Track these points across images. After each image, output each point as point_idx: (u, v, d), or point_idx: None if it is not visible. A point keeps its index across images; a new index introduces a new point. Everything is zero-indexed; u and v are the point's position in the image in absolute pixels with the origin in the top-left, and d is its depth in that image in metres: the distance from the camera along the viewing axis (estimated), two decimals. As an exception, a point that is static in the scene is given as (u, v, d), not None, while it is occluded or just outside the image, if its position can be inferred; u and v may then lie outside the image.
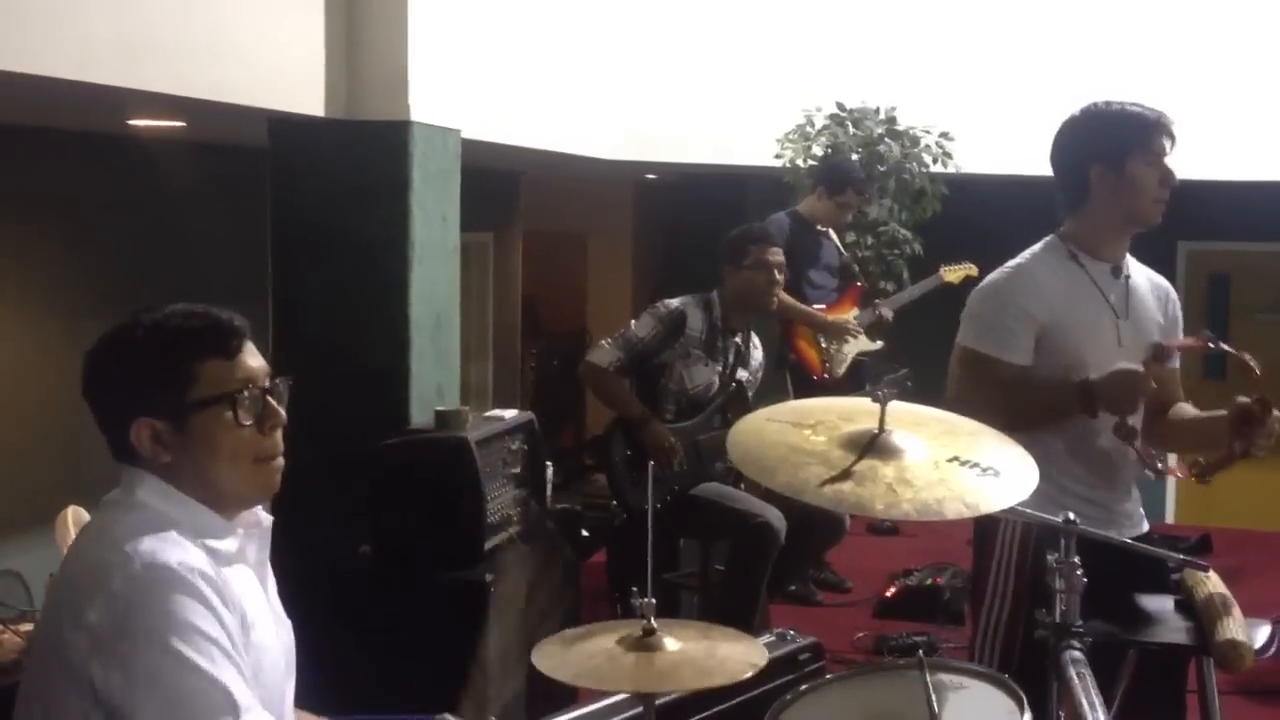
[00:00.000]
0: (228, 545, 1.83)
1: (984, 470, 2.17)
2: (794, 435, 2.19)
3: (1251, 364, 2.79)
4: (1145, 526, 3.09)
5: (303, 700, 2.01)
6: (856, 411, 2.24)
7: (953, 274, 6.07)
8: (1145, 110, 2.97)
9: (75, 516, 3.88)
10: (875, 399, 2.18)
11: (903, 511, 2.04)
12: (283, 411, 1.88)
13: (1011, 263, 3.04)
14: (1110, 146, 2.94)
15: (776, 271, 4.78)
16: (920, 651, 2.25)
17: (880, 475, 2.08)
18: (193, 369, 1.80)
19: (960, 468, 2.16)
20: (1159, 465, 2.98)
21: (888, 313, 6.04)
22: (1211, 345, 2.86)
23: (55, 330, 5.10)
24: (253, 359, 1.85)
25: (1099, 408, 2.82)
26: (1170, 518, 8.55)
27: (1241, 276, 8.65)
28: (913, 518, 2.06)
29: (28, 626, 3.90)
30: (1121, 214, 2.98)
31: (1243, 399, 2.79)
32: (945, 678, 2.17)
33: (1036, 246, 3.05)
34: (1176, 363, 3.17)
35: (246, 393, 1.82)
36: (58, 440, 4.51)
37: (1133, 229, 3.03)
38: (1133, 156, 2.92)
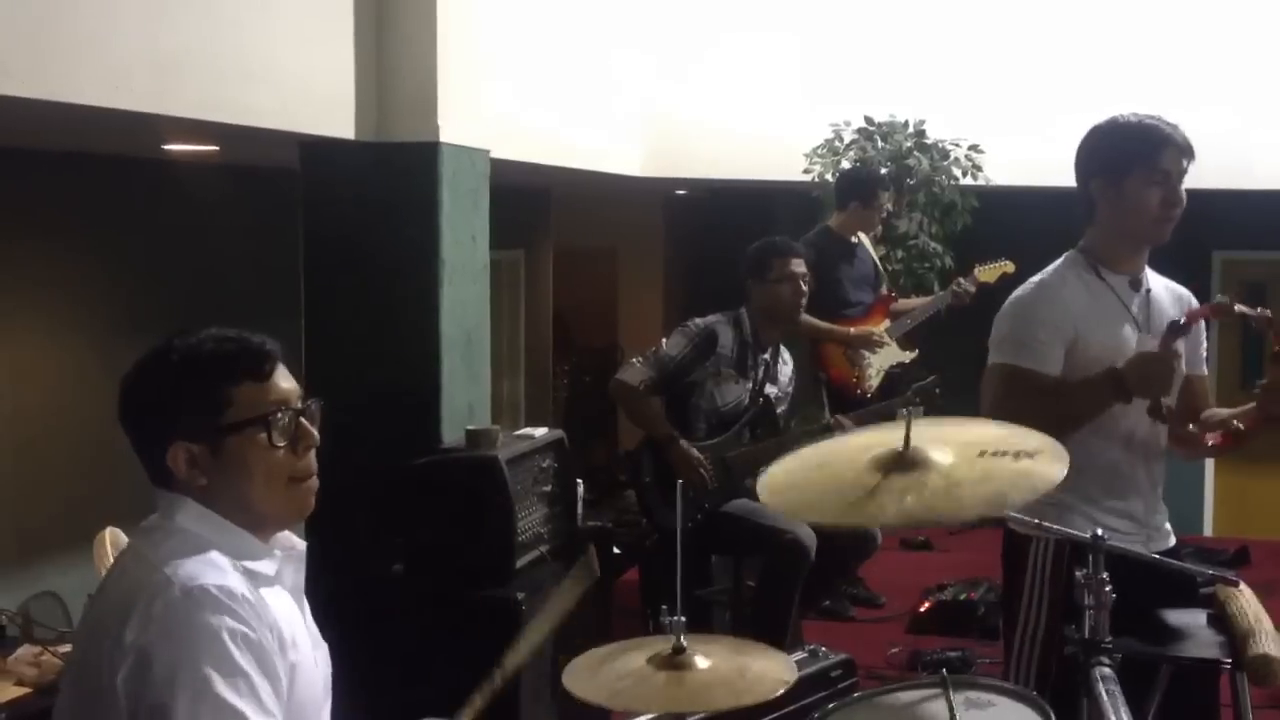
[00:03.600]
0: (265, 568, 1.85)
1: (1017, 455, 2.16)
2: (821, 476, 2.18)
3: (1271, 318, 2.77)
4: (1172, 540, 3.08)
5: (336, 718, 2.02)
6: (870, 443, 2.24)
7: (988, 273, 5.97)
8: (1157, 125, 2.91)
9: (113, 538, 3.93)
10: (900, 416, 2.18)
11: (977, 511, 2.03)
12: (316, 432, 1.90)
13: (1034, 279, 3.04)
14: (1111, 161, 2.92)
15: (802, 283, 4.78)
16: (944, 670, 2.24)
17: (932, 483, 2.08)
18: (227, 392, 1.82)
19: (995, 459, 2.15)
20: (1205, 441, 2.94)
21: (968, 290, 5.85)
22: (1224, 305, 2.83)
23: (91, 353, 5.15)
24: (285, 381, 1.88)
25: (1132, 392, 2.80)
26: (1208, 529, 8.48)
27: (1277, 286, 8.58)
28: (988, 514, 2.05)
29: (66, 648, 3.95)
30: (1124, 230, 2.95)
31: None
32: (972, 694, 2.17)
33: (1058, 261, 3.05)
34: (1204, 369, 3.16)
35: (280, 414, 1.84)
36: (95, 462, 4.56)
37: (1141, 245, 3.00)
38: (1133, 173, 2.89)
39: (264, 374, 1.85)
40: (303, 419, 1.88)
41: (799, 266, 4.78)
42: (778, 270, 4.73)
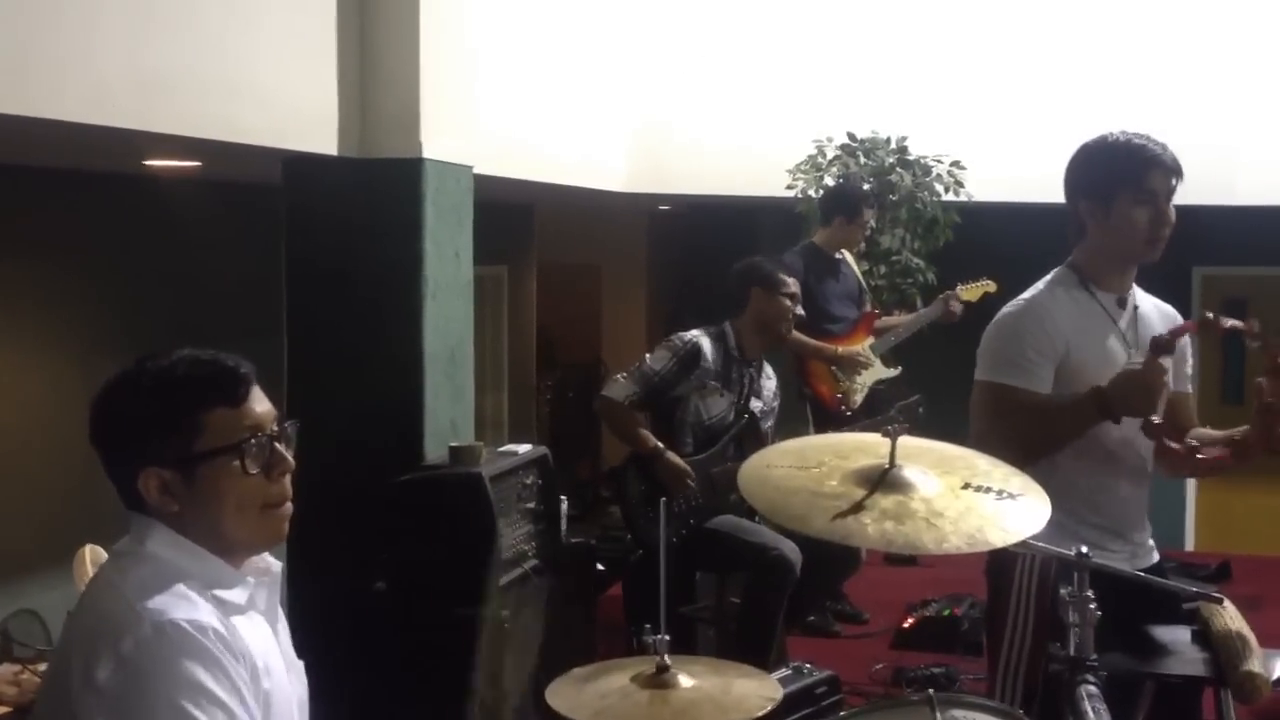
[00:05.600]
0: (237, 596, 1.81)
1: (999, 494, 2.18)
2: (807, 479, 2.19)
3: (1258, 329, 2.77)
4: (1156, 557, 3.08)
5: (316, 737, 2.01)
6: (852, 449, 2.25)
7: (970, 292, 6.02)
8: (1145, 145, 2.91)
9: (93, 555, 3.91)
10: (886, 433, 2.19)
11: (954, 545, 2.04)
12: (290, 458, 1.85)
13: (1024, 295, 3.03)
14: (1099, 182, 2.92)
15: (798, 304, 4.91)
16: (930, 690, 2.23)
17: (914, 509, 2.09)
18: (198, 419, 1.77)
19: (977, 494, 2.16)
20: (1200, 456, 2.93)
21: (956, 306, 5.94)
22: (1211, 321, 2.83)
23: (73, 369, 5.13)
24: (259, 404, 1.83)
25: (1117, 411, 2.81)
26: (1190, 544, 8.50)
27: (1258, 301, 8.61)
28: (964, 550, 2.06)
29: (45, 666, 3.93)
30: (1114, 249, 2.96)
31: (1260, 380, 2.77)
32: (958, 713, 2.16)
33: (1048, 277, 3.04)
34: (1189, 387, 3.16)
35: (254, 441, 1.79)
36: (75, 479, 4.52)
37: (1129, 265, 3.00)
38: (1121, 194, 2.89)
39: (238, 398, 1.80)
40: (277, 444, 1.83)
41: (798, 289, 4.92)
42: (785, 284, 4.83)
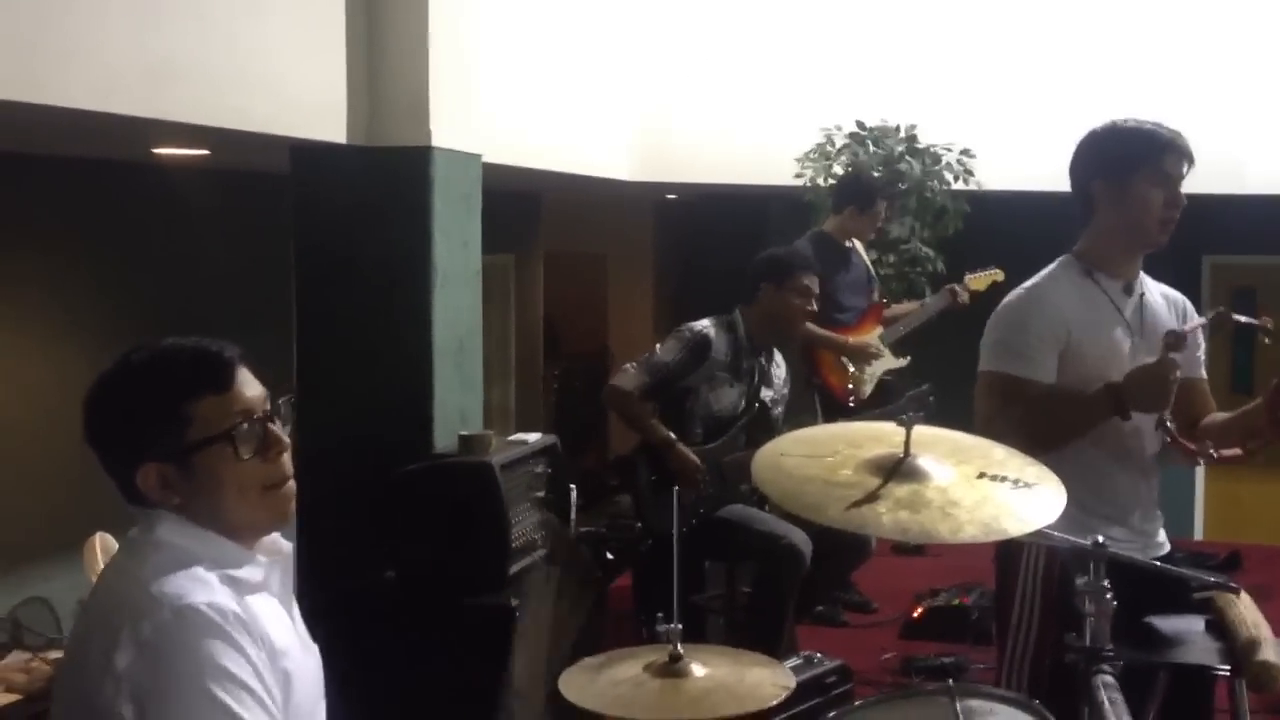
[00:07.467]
0: (250, 574, 1.81)
1: (1015, 483, 2.17)
2: (821, 468, 2.18)
3: (1271, 325, 2.76)
4: (1167, 548, 3.07)
5: (330, 720, 2.00)
6: (864, 438, 2.24)
7: (978, 281, 6.01)
8: (1158, 129, 2.93)
9: (103, 543, 3.92)
10: (900, 422, 2.18)
11: (970, 535, 2.03)
12: (285, 436, 1.84)
13: (1027, 284, 3.03)
14: (1116, 162, 2.92)
15: (813, 301, 4.81)
16: (950, 680, 2.23)
17: (929, 499, 2.08)
18: (187, 410, 1.76)
19: (993, 483, 2.16)
20: (1211, 453, 2.92)
21: (964, 296, 5.93)
22: (1224, 316, 2.82)
23: (80, 358, 5.12)
24: (248, 388, 1.81)
25: (1130, 408, 2.80)
26: (1199, 534, 8.49)
27: (1267, 290, 8.59)
28: (980, 540, 2.05)
29: (56, 654, 3.94)
30: (1125, 232, 2.95)
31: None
32: (974, 703, 2.16)
33: (1051, 266, 3.04)
34: (1204, 372, 3.14)
35: (245, 425, 1.78)
36: (84, 467, 4.53)
37: (1139, 248, 2.99)
38: (1137, 174, 2.90)
39: (225, 384, 1.79)
40: (270, 424, 1.82)
41: (815, 285, 4.81)
42: (798, 280, 4.74)
